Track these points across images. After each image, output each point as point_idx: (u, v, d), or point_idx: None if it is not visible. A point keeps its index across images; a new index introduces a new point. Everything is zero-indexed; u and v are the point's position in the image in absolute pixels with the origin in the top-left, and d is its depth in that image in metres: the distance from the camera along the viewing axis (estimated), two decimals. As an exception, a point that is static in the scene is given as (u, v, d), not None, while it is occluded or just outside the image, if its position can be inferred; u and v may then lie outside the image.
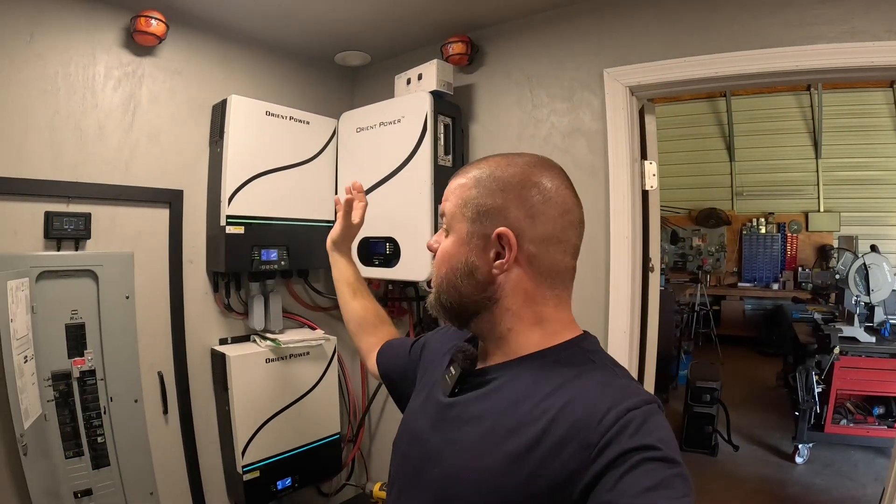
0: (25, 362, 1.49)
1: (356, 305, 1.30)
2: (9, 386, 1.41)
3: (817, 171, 6.50)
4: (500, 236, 0.75)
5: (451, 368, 0.83)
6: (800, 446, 3.68)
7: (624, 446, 0.60)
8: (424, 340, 1.07)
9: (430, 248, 0.85)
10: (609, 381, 0.71)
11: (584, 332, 0.82)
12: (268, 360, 2.04)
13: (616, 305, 1.79)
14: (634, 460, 0.59)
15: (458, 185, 0.81)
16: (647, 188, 1.88)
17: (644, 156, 1.90)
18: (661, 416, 0.66)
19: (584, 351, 0.77)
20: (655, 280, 1.95)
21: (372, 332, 1.27)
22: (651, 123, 1.94)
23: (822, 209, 6.65)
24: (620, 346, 1.77)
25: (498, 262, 0.76)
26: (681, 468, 0.59)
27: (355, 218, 1.34)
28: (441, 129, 1.98)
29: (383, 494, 1.82)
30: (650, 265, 1.91)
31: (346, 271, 1.34)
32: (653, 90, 1.81)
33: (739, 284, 7.33)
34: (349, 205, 1.31)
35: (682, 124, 7.06)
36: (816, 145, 6.34)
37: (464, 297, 0.78)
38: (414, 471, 0.82)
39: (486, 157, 0.82)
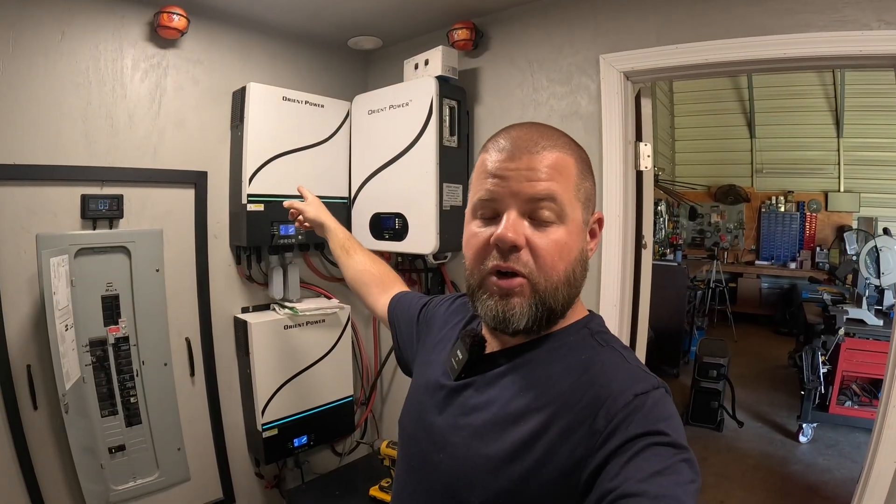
0: (66, 330, 1.62)
1: (353, 262, 1.36)
2: (52, 352, 1.54)
3: (838, 150, 6.36)
4: (598, 221, 0.77)
5: (458, 352, 0.80)
6: (804, 426, 3.72)
7: (630, 432, 0.59)
8: (432, 312, 1.04)
9: (510, 241, 0.69)
10: (617, 365, 0.69)
11: (590, 311, 0.81)
12: (286, 327, 2.19)
13: (607, 280, 1.88)
14: (640, 445, 0.58)
15: (563, 161, 0.71)
16: (641, 168, 1.95)
17: (639, 137, 1.97)
18: (669, 401, 0.65)
19: (591, 333, 0.75)
20: (648, 256, 2.04)
21: (376, 282, 1.29)
22: (647, 107, 2.00)
23: (842, 189, 6.53)
24: (610, 318, 1.87)
25: (593, 242, 0.77)
26: (688, 453, 0.58)
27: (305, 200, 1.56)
28: (446, 111, 2.06)
29: (390, 451, 1.97)
30: (643, 242, 2.01)
31: (334, 235, 1.44)
32: (647, 76, 1.86)
33: (757, 262, 7.28)
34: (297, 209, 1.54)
35: (703, 100, 6.96)
36: (838, 124, 6.19)
37: (575, 290, 0.74)
38: (422, 454, 0.80)
39: (542, 125, 0.75)
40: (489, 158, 0.73)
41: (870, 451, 1.60)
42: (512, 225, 0.69)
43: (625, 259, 1.89)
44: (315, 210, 1.51)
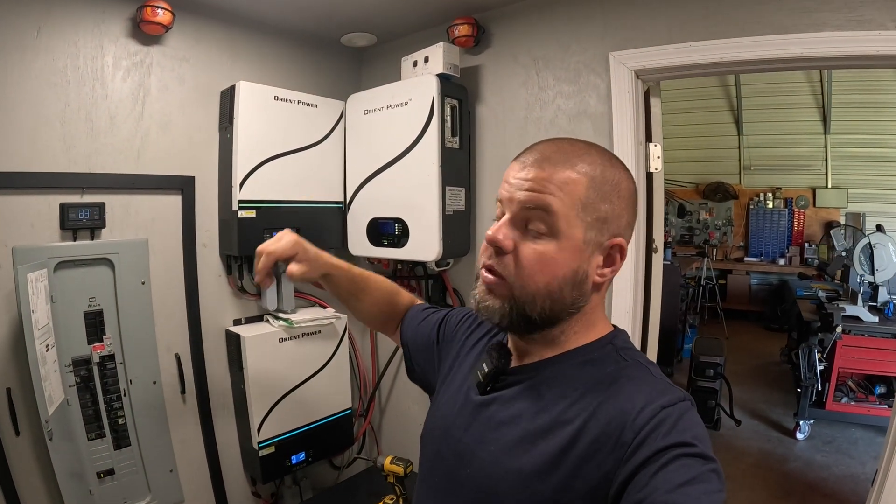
0: (47, 350, 1.53)
1: (364, 305, 1.17)
2: (32, 374, 1.45)
3: (826, 146, 6.40)
4: (617, 248, 0.73)
5: (484, 365, 0.80)
6: (801, 423, 3.73)
7: (658, 445, 0.60)
8: (452, 328, 1.02)
9: (495, 243, 0.72)
10: (642, 379, 0.70)
11: (615, 327, 0.81)
12: (281, 340, 2.09)
13: (619, 287, 1.82)
14: (669, 457, 0.58)
15: (568, 179, 0.70)
16: (651, 170, 1.89)
17: (649, 138, 1.91)
18: (695, 413, 0.66)
19: (616, 348, 0.76)
20: (659, 260, 1.98)
21: (390, 315, 1.18)
22: (656, 106, 1.94)
23: (829, 185, 6.59)
24: (623, 325, 1.79)
25: (607, 269, 0.74)
26: (716, 464, 0.59)
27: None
28: (448, 111, 1.99)
29: (395, 468, 1.88)
30: (654, 246, 1.94)
31: (335, 281, 1.13)
32: (658, 74, 1.80)
33: (746, 259, 7.33)
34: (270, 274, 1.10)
35: (690, 97, 6.95)
36: (825, 121, 6.24)
37: (563, 307, 0.72)
38: (447, 471, 0.80)
39: (574, 144, 0.74)
40: (511, 166, 0.76)
41: (885, 452, 1.58)
42: (501, 227, 0.72)
43: (637, 264, 1.83)
44: (298, 246, 1.11)
